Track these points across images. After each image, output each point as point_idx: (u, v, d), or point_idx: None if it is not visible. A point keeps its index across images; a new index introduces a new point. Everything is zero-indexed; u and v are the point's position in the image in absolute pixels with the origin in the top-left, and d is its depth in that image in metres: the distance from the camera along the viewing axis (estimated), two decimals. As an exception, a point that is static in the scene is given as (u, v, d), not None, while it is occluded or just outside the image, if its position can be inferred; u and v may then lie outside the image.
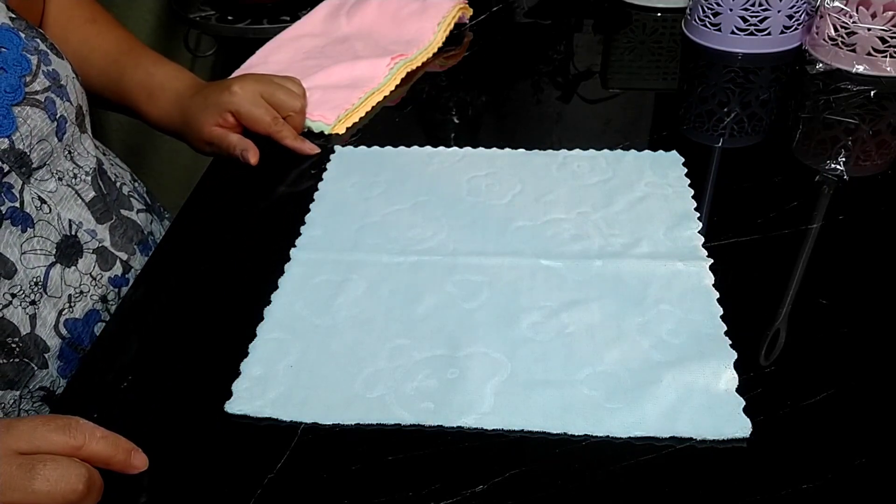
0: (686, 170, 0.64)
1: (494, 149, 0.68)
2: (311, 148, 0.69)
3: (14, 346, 0.53)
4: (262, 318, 0.52)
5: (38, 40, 0.57)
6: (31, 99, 0.53)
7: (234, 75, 0.74)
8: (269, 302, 0.53)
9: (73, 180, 0.58)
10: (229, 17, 1.22)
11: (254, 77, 0.70)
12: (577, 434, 0.43)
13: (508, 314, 0.51)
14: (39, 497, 0.37)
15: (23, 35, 0.55)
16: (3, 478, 0.37)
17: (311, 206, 0.62)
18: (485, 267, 0.55)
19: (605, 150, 0.67)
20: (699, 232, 0.57)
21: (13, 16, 0.56)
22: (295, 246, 0.58)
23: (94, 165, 0.60)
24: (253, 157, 0.67)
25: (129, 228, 0.63)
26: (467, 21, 0.92)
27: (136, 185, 0.71)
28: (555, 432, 0.43)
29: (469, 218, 0.60)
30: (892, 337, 0.48)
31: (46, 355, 0.55)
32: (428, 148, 0.69)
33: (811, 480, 0.40)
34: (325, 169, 0.67)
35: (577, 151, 0.67)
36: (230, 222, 0.63)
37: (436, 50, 0.85)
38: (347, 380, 0.47)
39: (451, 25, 0.87)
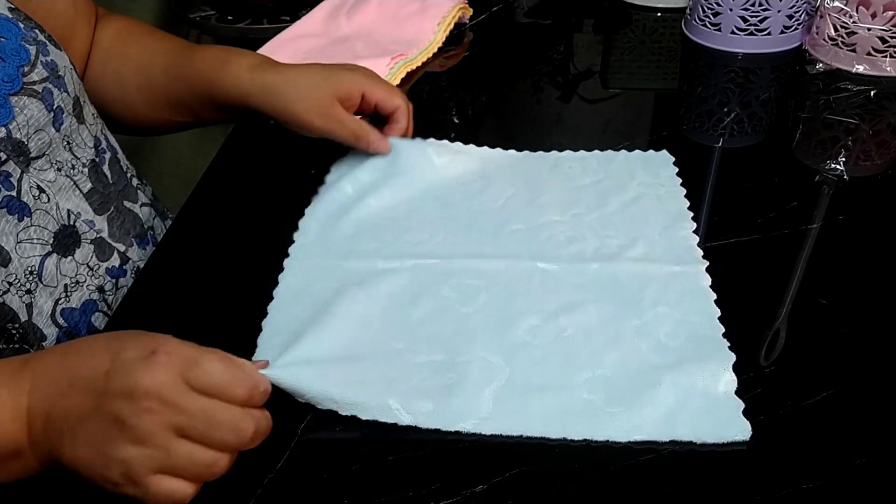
0: (677, 169, 0.63)
1: (485, 147, 0.68)
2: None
3: (14, 332, 0.53)
4: (259, 328, 0.51)
5: (37, 31, 0.57)
6: (28, 89, 0.54)
7: None
8: (266, 308, 0.52)
9: (72, 171, 0.58)
10: (229, 17, 1.22)
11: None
12: (576, 439, 0.43)
13: (506, 318, 0.50)
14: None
15: (21, 25, 0.56)
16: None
17: (307, 210, 0.62)
18: (481, 271, 0.54)
19: (596, 151, 0.66)
20: (695, 231, 0.57)
21: (11, 6, 0.56)
22: (290, 253, 0.57)
23: (91, 157, 0.60)
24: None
25: (127, 220, 0.63)
26: (467, 21, 0.92)
27: (146, 185, 0.71)
28: (554, 437, 0.43)
29: (464, 221, 0.60)
30: (892, 337, 0.48)
31: (44, 344, 0.55)
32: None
33: (811, 480, 0.40)
34: (328, 171, 0.66)
35: (567, 153, 0.67)
36: (230, 223, 0.62)
37: (436, 50, 0.85)
38: (346, 383, 0.46)
39: (451, 25, 0.87)
